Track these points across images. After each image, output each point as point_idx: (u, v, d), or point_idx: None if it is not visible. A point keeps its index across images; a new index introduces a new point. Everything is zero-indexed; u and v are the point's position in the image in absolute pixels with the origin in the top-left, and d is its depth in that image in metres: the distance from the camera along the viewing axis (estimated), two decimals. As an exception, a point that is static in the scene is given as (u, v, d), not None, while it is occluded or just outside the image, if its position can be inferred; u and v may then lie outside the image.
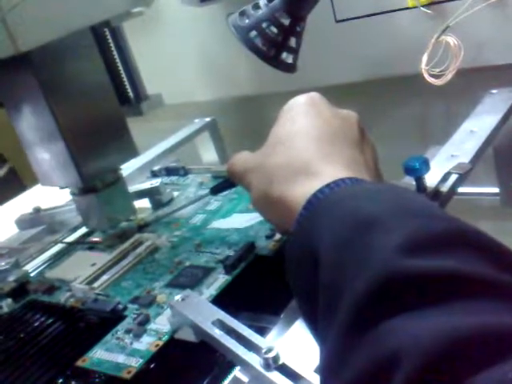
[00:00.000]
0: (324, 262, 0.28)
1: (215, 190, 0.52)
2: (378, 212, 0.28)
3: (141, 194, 0.65)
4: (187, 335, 0.40)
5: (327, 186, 0.34)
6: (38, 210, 0.68)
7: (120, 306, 0.47)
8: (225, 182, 0.50)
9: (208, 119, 0.84)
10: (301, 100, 0.42)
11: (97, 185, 0.56)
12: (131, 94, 0.59)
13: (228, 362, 0.37)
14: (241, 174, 0.44)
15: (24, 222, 0.68)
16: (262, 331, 0.39)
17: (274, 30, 0.47)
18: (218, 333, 0.36)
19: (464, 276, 0.23)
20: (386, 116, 0.77)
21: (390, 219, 0.27)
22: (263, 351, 0.34)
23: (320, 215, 0.32)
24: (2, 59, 0.45)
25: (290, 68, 0.49)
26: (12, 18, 0.43)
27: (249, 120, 0.89)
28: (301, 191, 0.35)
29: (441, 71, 0.58)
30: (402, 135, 0.77)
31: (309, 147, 0.38)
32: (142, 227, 0.61)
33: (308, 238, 0.31)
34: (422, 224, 0.26)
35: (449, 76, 0.57)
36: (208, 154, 0.84)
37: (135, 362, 0.40)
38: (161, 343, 0.41)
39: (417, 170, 0.45)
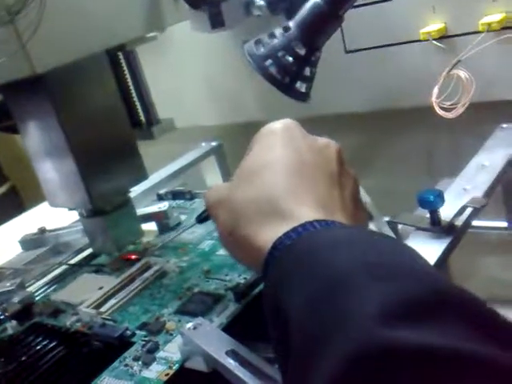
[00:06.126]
0: (294, 325, 0.26)
1: (200, 219, 0.47)
2: (349, 268, 0.26)
3: (148, 218, 0.65)
4: (198, 365, 0.39)
5: (294, 229, 0.31)
6: (42, 231, 0.67)
7: (128, 332, 0.46)
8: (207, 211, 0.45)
9: (214, 143, 0.84)
10: (275, 128, 0.38)
11: (105, 207, 0.56)
12: (143, 118, 0.59)
13: (241, 393, 0.36)
14: (210, 206, 0.40)
15: (28, 243, 0.67)
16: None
17: (290, 59, 0.48)
18: (232, 363, 0.36)
19: (463, 355, 0.20)
20: (394, 147, 0.78)
21: (364, 278, 0.25)
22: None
23: (288, 267, 0.30)
24: (18, 80, 0.45)
25: (303, 96, 0.50)
26: (31, 41, 0.44)
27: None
28: (268, 234, 0.33)
29: (451, 104, 0.59)
30: (410, 167, 0.77)
31: (278, 183, 0.35)
32: (148, 251, 0.60)
33: (277, 294, 0.29)
34: (400, 287, 0.24)
35: (460, 110, 0.57)
36: (213, 178, 0.84)
37: (145, 391, 0.40)
38: (171, 372, 0.41)
39: (431, 202, 0.45)
